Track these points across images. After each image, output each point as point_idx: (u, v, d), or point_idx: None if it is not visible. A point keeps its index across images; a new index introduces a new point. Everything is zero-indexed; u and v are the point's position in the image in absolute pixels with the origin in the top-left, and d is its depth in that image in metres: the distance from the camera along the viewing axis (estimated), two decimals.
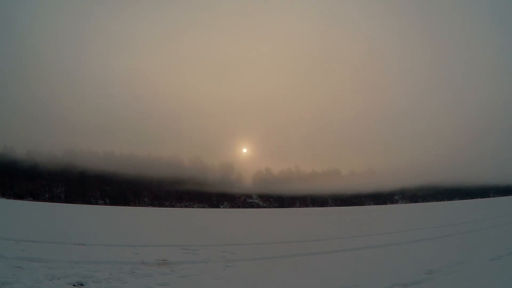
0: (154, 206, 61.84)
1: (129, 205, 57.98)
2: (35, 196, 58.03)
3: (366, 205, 66.51)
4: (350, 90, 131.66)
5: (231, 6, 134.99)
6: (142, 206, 61.17)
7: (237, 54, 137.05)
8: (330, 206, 67.55)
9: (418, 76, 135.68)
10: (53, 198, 60.38)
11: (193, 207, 65.14)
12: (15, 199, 50.82)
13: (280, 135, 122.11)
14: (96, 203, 58.50)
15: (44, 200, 56.39)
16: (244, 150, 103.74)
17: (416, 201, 69.91)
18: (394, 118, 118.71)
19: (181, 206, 64.05)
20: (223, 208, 65.78)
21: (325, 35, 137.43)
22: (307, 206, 70.91)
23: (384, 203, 69.52)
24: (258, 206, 73.00)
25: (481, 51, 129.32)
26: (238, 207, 69.00)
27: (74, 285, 4.94)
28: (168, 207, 60.84)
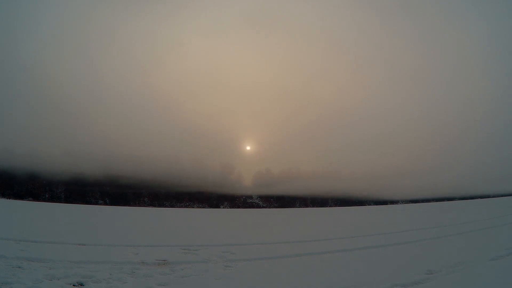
0: (154, 206, 61.83)
1: (129, 205, 57.95)
2: (35, 196, 58.01)
3: (366, 205, 66.47)
4: (352, 92, 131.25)
5: (236, 14, 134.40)
6: (142, 206, 61.16)
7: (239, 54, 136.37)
8: (330, 206, 67.54)
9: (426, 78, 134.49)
10: (53, 198, 60.37)
11: (193, 207, 65.17)
12: (15, 199, 50.81)
13: (281, 135, 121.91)
14: (96, 203, 58.50)
15: (44, 200, 56.39)
16: (248, 148, 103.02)
17: (416, 201, 69.83)
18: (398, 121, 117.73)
19: (181, 206, 64.04)
20: (223, 208, 65.78)
21: (332, 32, 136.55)
22: (307, 206, 70.91)
23: (384, 203, 69.48)
24: (258, 206, 72.99)
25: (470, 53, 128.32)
26: (238, 207, 68.97)
27: (74, 285, 4.95)
28: (168, 207, 60.84)
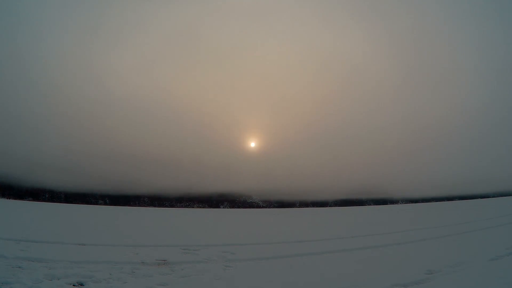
0: (154, 206, 61.84)
1: (129, 205, 57.96)
2: (35, 196, 58.00)
3: (366, 205, 66.46)
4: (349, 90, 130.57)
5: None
6: (142, 206, 61.17)
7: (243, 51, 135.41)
8: (330, 206, 67.53)
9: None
10: (53, 198, 60.37)
11: (193, 207, 65.18)
12: (15, 199, 50.80)
13: (282, 135, 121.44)
14: (96, 203, 58.50)
15: (44, 200, 56.37)
16: (252, 144, 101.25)
17: (416, 201, 69.82)
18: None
19: (181, 206, 64.05)
20: (223, 208, 65.80)
21: (331, 36, 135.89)
22: (307, 206, 70.90)
23: (384, 203, 69.47)
24: (258, 206, 73.01)
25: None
26: (238, 207, 68.97)
27: (74, 285, 4.95)
28: (168, 207, 60.86)
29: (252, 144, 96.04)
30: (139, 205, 63.43)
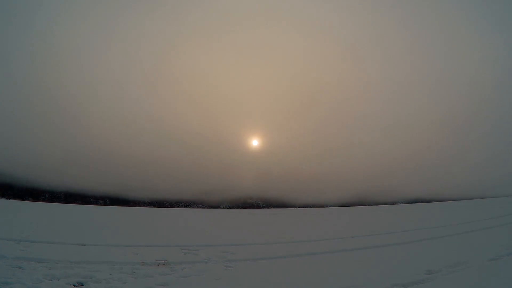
0: (154, 206, 61.82)
1: (129, 205, 57.90)
2: (35, 196, 57.97)
3: (366, 205, 66.39)
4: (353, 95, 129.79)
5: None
6: (141, 206, 61.15)
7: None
8: (330, 206, 67.48)
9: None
10: (53, 198, 60.34)
11: (193, 207, 65.18)
12: (15, 199, 50.76)
13: (283, 134, 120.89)
14: (96, 203, 58.47)
15: (44, 200, 56.33)
16: (255, 143, 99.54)
17: (416, 202, 69.75)
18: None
19: (181, 206, 64.03)
20: (223, 208, 65.80)
21: (343, 32, 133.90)
22: (307, 206, 70.89)
23: (384, 203, 69.39)
24: (258, 206, 72.99)
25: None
26: (238, 207, 68.96)
27: (74, 285, 4.95)
28: (168, 207, 60.84)
29: (255, 143, 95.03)
30: (139, 205, 63.43)
